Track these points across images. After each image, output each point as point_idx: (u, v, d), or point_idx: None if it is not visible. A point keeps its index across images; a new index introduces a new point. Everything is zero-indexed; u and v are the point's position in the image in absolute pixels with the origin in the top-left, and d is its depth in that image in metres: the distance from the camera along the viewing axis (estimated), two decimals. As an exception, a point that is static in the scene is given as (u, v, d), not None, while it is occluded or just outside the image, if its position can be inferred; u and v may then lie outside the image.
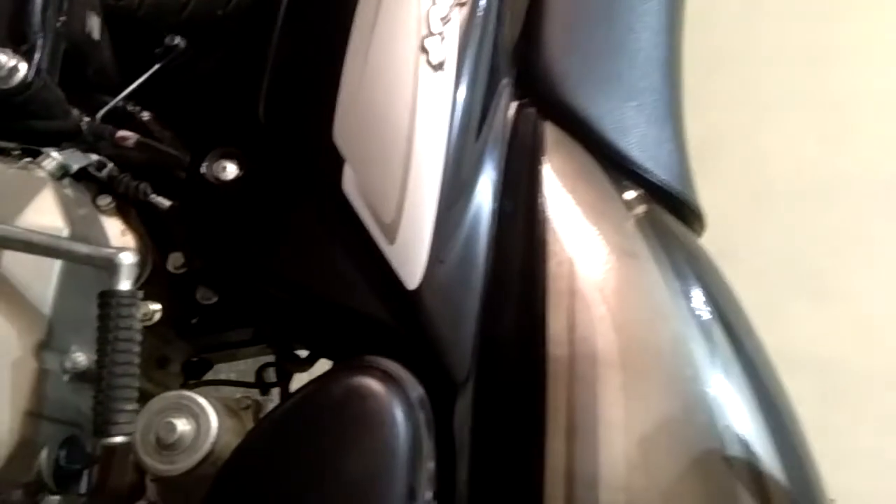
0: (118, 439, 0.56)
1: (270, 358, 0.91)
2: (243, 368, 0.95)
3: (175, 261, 0.74)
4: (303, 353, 0.81)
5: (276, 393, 0.87)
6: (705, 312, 0.69)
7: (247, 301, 0.73)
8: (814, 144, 1.85)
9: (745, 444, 0.62)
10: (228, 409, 0.74)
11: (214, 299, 0.74)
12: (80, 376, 0.65)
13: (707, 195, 0.81)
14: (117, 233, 0.73)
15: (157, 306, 0.74)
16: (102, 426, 0.54)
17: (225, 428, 0.69)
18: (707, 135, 1.13)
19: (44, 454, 0.61)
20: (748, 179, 1.83)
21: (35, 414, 0.60)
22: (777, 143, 1.86)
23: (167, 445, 0.65)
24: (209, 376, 0.95)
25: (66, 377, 0.64)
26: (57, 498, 0.64)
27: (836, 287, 1.74)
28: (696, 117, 0.84)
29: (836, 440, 0.95)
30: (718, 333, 0.69)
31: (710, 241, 0.79)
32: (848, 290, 1.73)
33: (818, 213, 1.78)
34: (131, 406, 0.56)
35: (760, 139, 1.87)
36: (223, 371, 1.02)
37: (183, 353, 0.84)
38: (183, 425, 0.66)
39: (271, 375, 0.92)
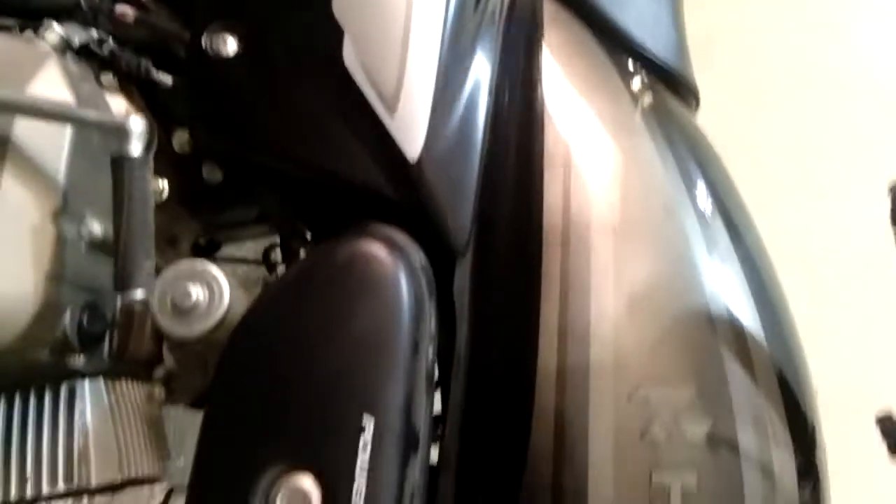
0: (138, 294, 0.59)
1: (277, 239, 0.95)
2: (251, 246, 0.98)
3: (180, 138, 0.75)
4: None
5: (282, 271, 0.91)
6: (699, 185, 0.72)
7: (251, 177, 0.75)
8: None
9: (731, 313, 0.65)
10: (239, 282, 0.77)
11: (220, 176, 0.76)
12: (95, 245, 0.68)
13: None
14: (121, 110, 0.74)
15: (164, 183, 0.76)
16: (122, 280, 0.57)
17: (236, 297, 0.73)
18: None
19: (67, 316, 0.65)
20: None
21: (55, 277, 0.63)
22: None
23: (183, 311, 0.69)
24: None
25: (82, 244, 0.67)
26: (82, 359, 0.68)
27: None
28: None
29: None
30: (710, 206, 0.72)
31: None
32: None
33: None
34: (149, 261, 0.59)
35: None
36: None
37: (191, 233, 0.87)
38: (197, 291, 0.69)
39: (278, 256, 0.96)
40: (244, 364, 0.61)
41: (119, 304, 0.69)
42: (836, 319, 1.65)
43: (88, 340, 0.68)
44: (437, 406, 0.66)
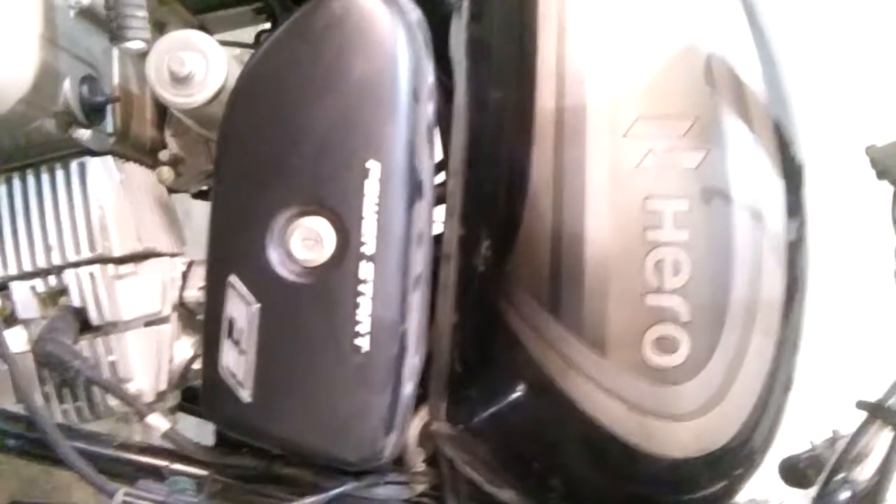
0: (134, 44, 0.58)
1: (268, 25, 0.92)
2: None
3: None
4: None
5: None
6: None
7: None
8: None
9: (728, 51, 0.63)
10: (234, 57, 0.77)
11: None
12: (85, 14, 0.67)
13: None
14: None
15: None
16: (117, 31, 0.57)
17: (233, 70, 0.73)
18: None
19: (67, 84, 0.65)
20: None
21: (50, 40, 0.62)
22: None
23: (180, 79, 0.69)
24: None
25: (71, 13, 0.65)
26: (87, 132, 0.69)
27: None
28: None
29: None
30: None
31: None
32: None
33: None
34: (142, 13, 0.58)
35: None
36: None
37: (178, 18, 0.84)
38: (193, 60, 0.69)
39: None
40: (249, 115, 0.62)
41: (116, 65, 0.69)
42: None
43: (91, 112, 0.69)
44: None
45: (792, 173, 0.66)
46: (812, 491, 0.74)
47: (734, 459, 0.64)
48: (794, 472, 0.84)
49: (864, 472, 0.70)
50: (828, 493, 0.67)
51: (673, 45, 0.62)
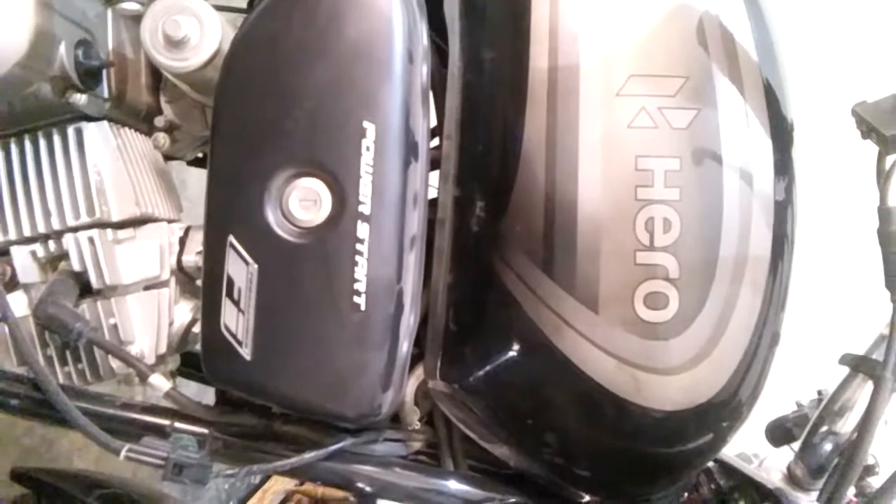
0: (129, 5, 0.59)
1: None
2: None
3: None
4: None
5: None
6: None
7: None
8: None
9: (721, 12, 0.64)
10: (228, 22, 0.77)
11: None
12: (78, -23, 0.67)
13: None
14: None
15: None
16: (113, -10, 0.57)
17: (227, 34, 0.73)
18: None
19: (62, 48, 0.65)
20: None
21: (45, 4, 0.62)
22: None
23: (175, 43, 0.69)
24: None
25: (64, -25, 0.66)
26: (83, 97, 0.69)
27: None
28: None
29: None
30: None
31: None
32: None
33: None
34: (137, -27, 0.58)
35: None
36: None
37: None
38: (188, 23, 0.69)
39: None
40: (245, 78, 0.63)
41: (111, 30, 0.69)
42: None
43: (87, 76, 0.69)
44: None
45: (781, 133, 0.68)
46: (797, 444, 0.77)
47: (722, 412, 0.66)
48: (781, 432, 0.87)
49: (848, 425, 0.72)
50: (812, 444, 0.70)
51: (666, 5, 0.63)
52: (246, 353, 0.63)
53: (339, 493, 1.77)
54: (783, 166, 0.67)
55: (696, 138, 0.62)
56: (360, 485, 0.72)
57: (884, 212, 0.64)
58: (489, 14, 0.65)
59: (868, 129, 0.63)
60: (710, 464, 0.80)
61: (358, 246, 0.62)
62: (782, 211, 0.67)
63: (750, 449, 0.85)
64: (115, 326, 0.73)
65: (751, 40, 0.66)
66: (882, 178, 0.64)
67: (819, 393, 0.86)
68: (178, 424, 0.71)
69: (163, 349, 0.77)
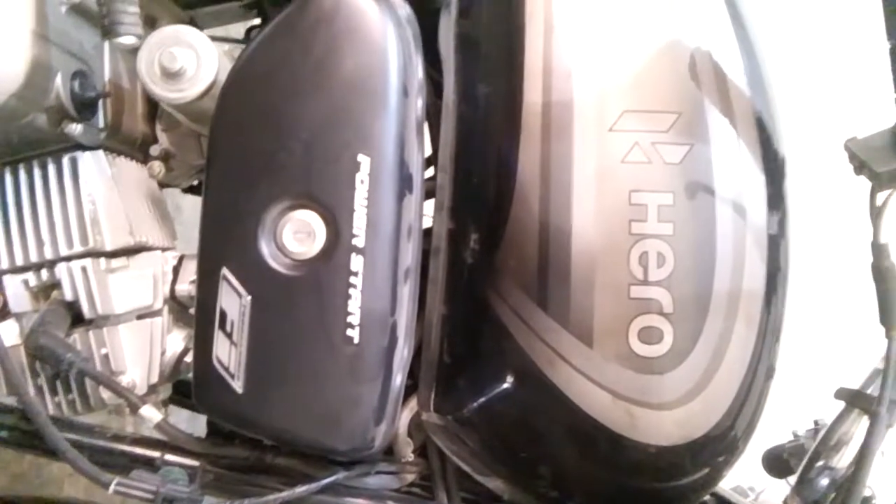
0: (126, 39, 0.59)
1: (258, 20, 0.93)
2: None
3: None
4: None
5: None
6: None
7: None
8: None
9: (713, 48, 0.65)
10: (224, 53, 0.77)
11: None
12: (76, 9, 0.67)
13: None
14: None
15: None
16: (110, 26, 0.58)
17: (224, 66, 0.73)
18: None
19: (58, 79, 0.66)
20: None
21: (42, 36, 0.63)
22: None
23: (172, 74, 0.70)
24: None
25: (63, 8, 0.66)
26: (79, 127, 0.69)
27: None
28: None
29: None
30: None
31: None
32: None
33: None
34: (133, 8, 0.59)
35: None
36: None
37: (169, 14, 0.85)
38: (184, 55, 0.70)
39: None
40: (240, 109, 0.63)
41: (108, 61, 0.70)
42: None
43: (82, 107, 0.69)
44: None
45: (774, 167, 0.68)
46: (793, 478, 0.76)
47: (717, 446, 0.66)
48: (778, 462, 0.86)
49: (844, 459, 0.72)
50: (808, 479, 0.69)
51: (658, 41, 0.63)
52: (238, 385, 0.63)
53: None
54: (776, 200, 0.68)
55: (689, 173, 0.62)
56: (352, 518, 0.71)
57: (877, 247, 0.64)
58: (484, 50, 0.66)
59: (860, 165, 0.63)
60: (707, 497, 0.79)
61: (352, 279, 0.61)
62: (776, 245, 0.67)
63: (745, 482, 0.84)
64: (106, 356, 0.72)
65: (742, 75, 0.67)
66: (875, 213, 0.64)
67: (815, 423, 0.86)
68: (168, 457, 0.70)
69: (155, 379, 0.77)
